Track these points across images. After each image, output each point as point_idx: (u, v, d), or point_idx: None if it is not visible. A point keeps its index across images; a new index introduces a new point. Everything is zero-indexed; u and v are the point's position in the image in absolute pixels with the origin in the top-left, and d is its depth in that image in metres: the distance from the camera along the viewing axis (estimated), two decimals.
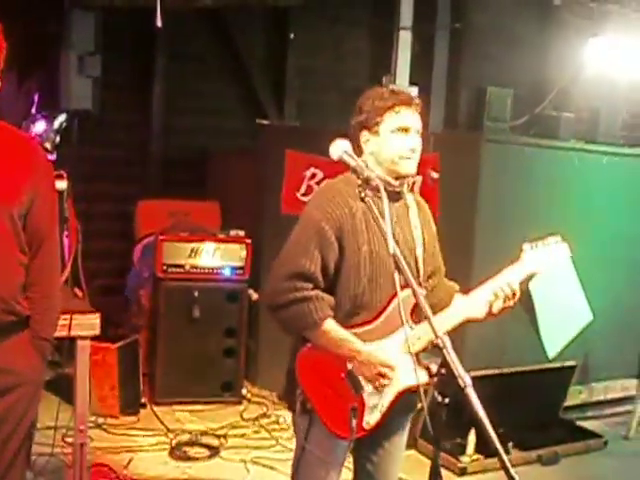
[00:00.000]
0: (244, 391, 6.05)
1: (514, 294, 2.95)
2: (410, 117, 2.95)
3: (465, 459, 5.07)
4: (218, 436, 5.32)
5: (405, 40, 7.61)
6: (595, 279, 5.03)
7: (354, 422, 2.84)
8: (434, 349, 2.45)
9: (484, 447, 4.91)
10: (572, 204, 5.70)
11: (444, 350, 2.25)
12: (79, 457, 4.26)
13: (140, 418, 5.59)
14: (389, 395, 2.93)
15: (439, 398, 2.53)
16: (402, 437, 3.17)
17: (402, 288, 2.54)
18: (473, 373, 2.30)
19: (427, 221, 3.11)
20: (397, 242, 2.75)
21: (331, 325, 2.86)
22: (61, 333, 3.95)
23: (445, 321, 2.85)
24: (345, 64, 7.96)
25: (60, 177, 4.23)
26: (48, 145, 4.86)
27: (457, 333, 2.82)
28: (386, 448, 3.11)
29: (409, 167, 2.93)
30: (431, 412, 2.57)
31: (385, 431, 3.03)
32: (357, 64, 8.03)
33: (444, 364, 2.27)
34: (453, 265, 3.31)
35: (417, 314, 2.88)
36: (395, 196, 2.96)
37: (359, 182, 2.68)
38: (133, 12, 6.24)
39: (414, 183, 3.06)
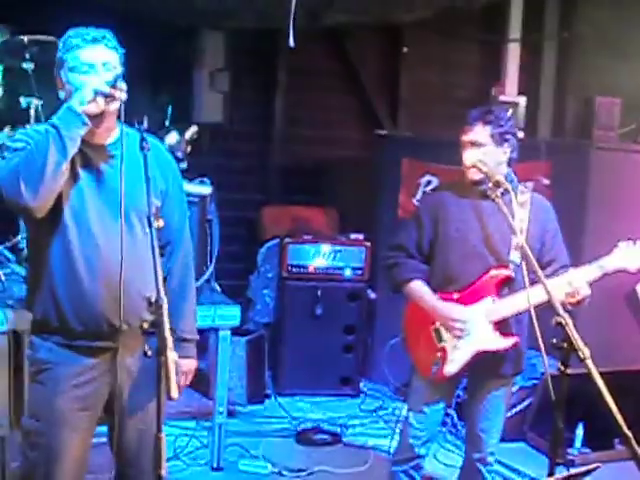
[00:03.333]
0: (361, 385, 6.40)
1: (578, 292, 3.39)
2: (467, 134, 3.55)
3: (573, 452, 5.27)
4: (339, 425, 5.68)
5: (514, 51, 7.87)
6: None
7: (435, 367, 3.58)
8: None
9: (591, 441, 5.12)
10: None
11: (566, 326, 2.66)
12: (217, 436, 4.73)
13: (265, 407, 6.01)
14: (466, 353, 3.56)
15: (562, 368, 2.86)
16: (490, 396, 3.69)
17: (492, 268, 3.51)
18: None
19: (538, 218, 3.58)
20: (490, 230, 3.54)
21: (416, 285, 3.65)
22: (206, 323, 4.45)
23: (527, 296, 3.29)
24: (455, 76, 8.19)
25: (203, 183, 4.70)
26: (180, 154, 5.17)
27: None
28: (480, 405, 3.72)
29: (473, 176, 3.54)
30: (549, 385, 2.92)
31: (481, 393, 3.70)
32: (467, 76, 8.26)
33: (565, 339, 2.67)
34: None
35: (504, 291, 3.56)
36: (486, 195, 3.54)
37: (490, 185, 3.13)
38: (258, 32, 6.69)
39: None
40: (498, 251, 3.55)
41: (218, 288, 4.84)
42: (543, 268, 3.43)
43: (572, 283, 3.37)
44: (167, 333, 2.36)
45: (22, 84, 5.30)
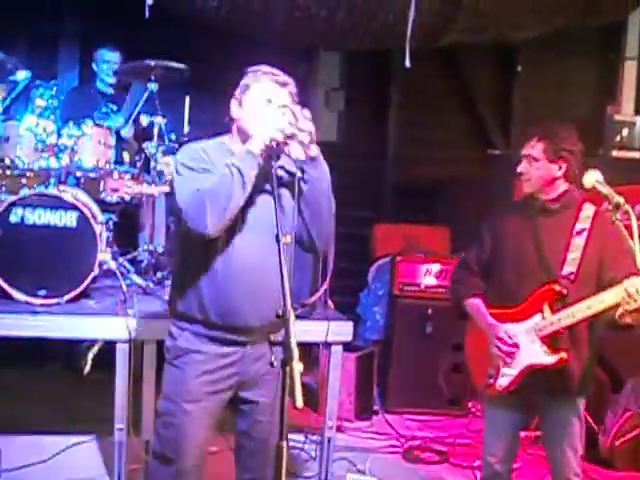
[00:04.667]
0: (469, 405, 6.37)
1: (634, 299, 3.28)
2: (524, 148, 3.66)
3: None
4: (446, 444, 5.67)
5: (630, 70, 7.74)
6: None
7: (490, 380, 3.68)
8: None
9: None
10: None
11: None
12: (326, 449, 4.79)
13: (373, 423, 6.05)
14: (516, 368, 3.62)
15: None
16: (558, 416, 3.69)
17: (545, 284, 3.52)
18: None
19: (600, 234, 3.57)
20: (545, 246, 3.59)
21: (474, 302, 3.77)
22: (319, 338, 4.53)
23: (579, 310, 3.41)
24: (570, 95, 8.12)
25: None
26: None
27: None
28: (547, 424, 3.76)
29: (524, 188, 3.69)
30: None
31: (542, 411, 3.78)
32: (582, 95, 8.18)
33: None
34: None
35: (557, 307, 3.54)
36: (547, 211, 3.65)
37: (610, 207, 3.14)
38: (373, 51, 6.79)
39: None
40: (552, 268, 3.57)
41: (331, 304, 4.92)
42: (605, 287, 3.43)
43: (627, 289, 3.29)
44: (294, 344, 2.45)
45: (145, 104, 5.56)
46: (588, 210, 3.62)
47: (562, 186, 3.62)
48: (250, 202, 3.05)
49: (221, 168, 2.99)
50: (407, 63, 5.01)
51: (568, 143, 3.57)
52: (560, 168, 3.57)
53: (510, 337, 3.59)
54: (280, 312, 2.58)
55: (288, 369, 2.42)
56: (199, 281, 3.12)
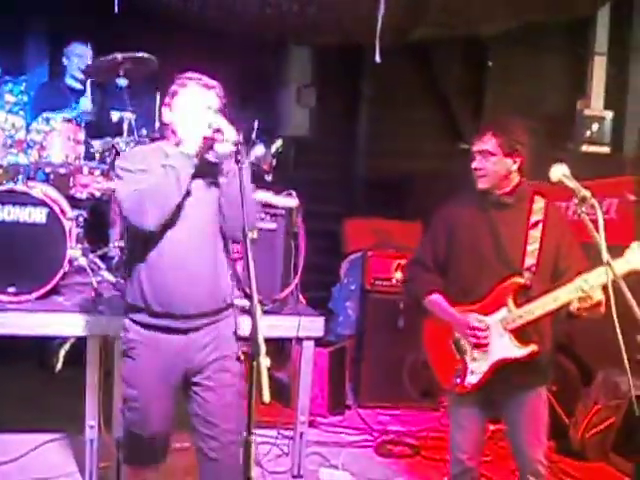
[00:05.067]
0: (441, 399, 6.39)
1: (589, 296, 3.37)
2: (476, 144, 3.64)
3: None
4: (418, 437, 5.70)
5: (600, 65, 7.80)
6: None
7: (457, 380, 3.64)
8: None
9: None
10: None
11: None
12: (298, 444, 4.81)
13: (345, 418, 6.06)
14: (486, 363, 3.61)
15: None
16: (524, 406, 3.68)
17: (506, 279, 3.53)
18: None
19: (554, 225, 3.63)
20: (502, 239, 3.59)
21: (434, 298, 3.71)
22: (291, 333, 4.54)
23: (542, 303, 3.45)
24: (540, 90, 8.16)
25: (290, 195, 4.80)
26: (265, 167, 5.27)
27: None
28: (516, 418, 3.71)
29: (480, 185, 3.63)
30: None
31: (510, 403, 3.70)
32: (552, 89, 8.23)
33: None
34: None
35: (520, 299, 3.55)
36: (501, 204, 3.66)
37: (576, 200, 3.15)
38: (344, 47, 6.79)
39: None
40: (512, 260, 3.58)
41: (302, 299, 4.93)
42: (560, 276, 3.51)
43: (583, 287, 3.36)
44: (261, 339, 2.47)
45: (114, 99, 5.52)
46: (539, 202, 3.66)
47: (515, 179, 3.65)
48: (186, 197, 3.30)
49: (157, 169, 3.27)
50: (377, 58, 5.02)
51: (521, 136, 3.60)
52: (515, 162, 3.60)
53: (482, 321, 3.58)
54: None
55: (255, 364, 2.43)
56: (141, 272, 3.37)
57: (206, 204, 3.38)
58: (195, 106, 3.34)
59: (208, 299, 3.40)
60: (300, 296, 4.93)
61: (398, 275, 6.28)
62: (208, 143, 3.28)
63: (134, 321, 3.44)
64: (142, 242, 3.34)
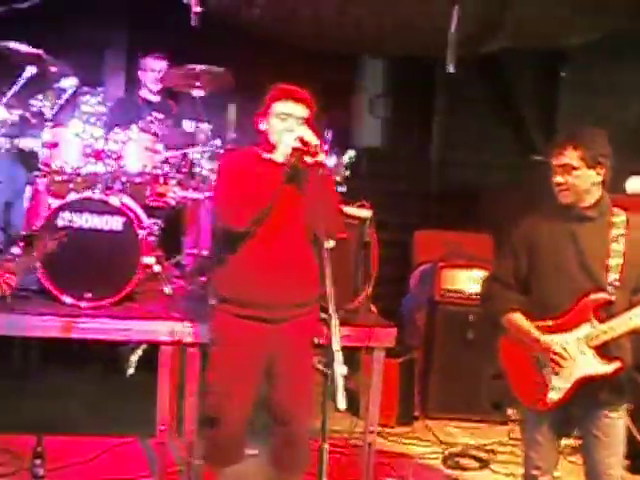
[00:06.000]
0: (510, 412, 6.32)
1: None
2: (558, 158, 3.55)
3: None
4: (487, 450, 5.65)
5: None
6: None
7: (538, 397, 3.57)
8: None
9: None
10: None
11: None
12: (367, 454, 4.80)
13: (413, 429, 6.05)
14: (568, 380, 3.53)
15: None
16: (603, 424, 3.60)
17: (589, 293, 3.45)
18: None
19: (636, 239, 3.53)
20: (586, 254, 3.52)
21: (514, 316, 3.63)
22: (361, 343, 4.55)
23: (621, 322, 3.40)
24: (619, 100, 8.00)
25: (363, 206, 4.82)
26: (338, 178, 5.29)
27: None
28: (594, 435, 3.62)
29: (564, 199, 3.56)
30: None
31: (588, 420, 3.61)
32: (631, 100, 8.07)
33: None
34: None
35: (602, 315, 3.48)
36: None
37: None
38: (417, 58, 6.79)
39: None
40: (595, 275, 3.50)
41: (374, 309, 4.94)
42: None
43: None
44: (337, 347, 2.49)
45: (188, 109, 5.62)
46: (620, 215, 3.58)
47: (598, 192, 3.56)
48: (276, 201, 3.59)
49: (250, 175, 3.59)
50: (451, 69, 5.00)
51: (604, 148, 3.52)
52: (598, 174, 3.52)
53: (565, 350, 3.51)
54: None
55: (330, 372, 2.45)
56: (232, 266, 3.71)
57: (294, 209, 3.65)
58: (286, 118, 3.62)
59: (296, 292, 3.71)
60: (371, 306, 4.94)
61: (468, 287, 6.26)
62: (297, 153, 3.53)
63: (222, 310, 3.75)
64: (233, 239, 3.65)
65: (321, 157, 3.52)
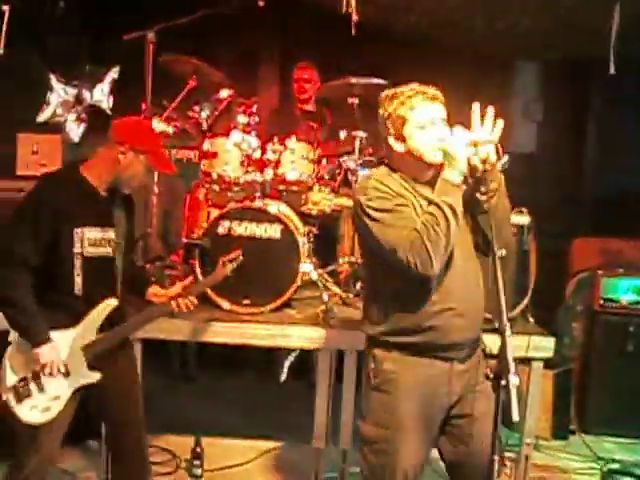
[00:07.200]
0: None
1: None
2: None
3: None
4: None
5: None
6: None
7: None
8: None
9: None
10: None
11: None
12: (523, 467, 4.70)
13: (569, 443, 5.86)
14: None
15: None
16: None
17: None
18: None
19: None
20: None
21: None
22: (519, 353, 4.45)
23: None
24: None
25: (521, 213, 4.72)
26: None
27: None
28: None
29: None
30: None
31: None
32: None
33: None
34: None
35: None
36: None
37: None
38: (572, 61, 6.62)
39: None
40: None
41: (531, 319, 4.83)
42: None
43: None
44: (510, 357, 2.45)
45: (344, 118, 5.67)
46: None
47: None
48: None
49: (409, 199, 3.02)
50: (612, 70, 4.85)
51: None
52: None
53: None
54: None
55: (504, 382, 2.41)
56: (407, 304, 3.07)
57: (465, 226, 3.15)
58: (431, 125, 3.08)
59: (474, 326, 3.16)
60: (529, 316, 4.84)
61: (629, 296, 6.05)
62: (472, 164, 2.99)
63: (390, 350, 3.15)
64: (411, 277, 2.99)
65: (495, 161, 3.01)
